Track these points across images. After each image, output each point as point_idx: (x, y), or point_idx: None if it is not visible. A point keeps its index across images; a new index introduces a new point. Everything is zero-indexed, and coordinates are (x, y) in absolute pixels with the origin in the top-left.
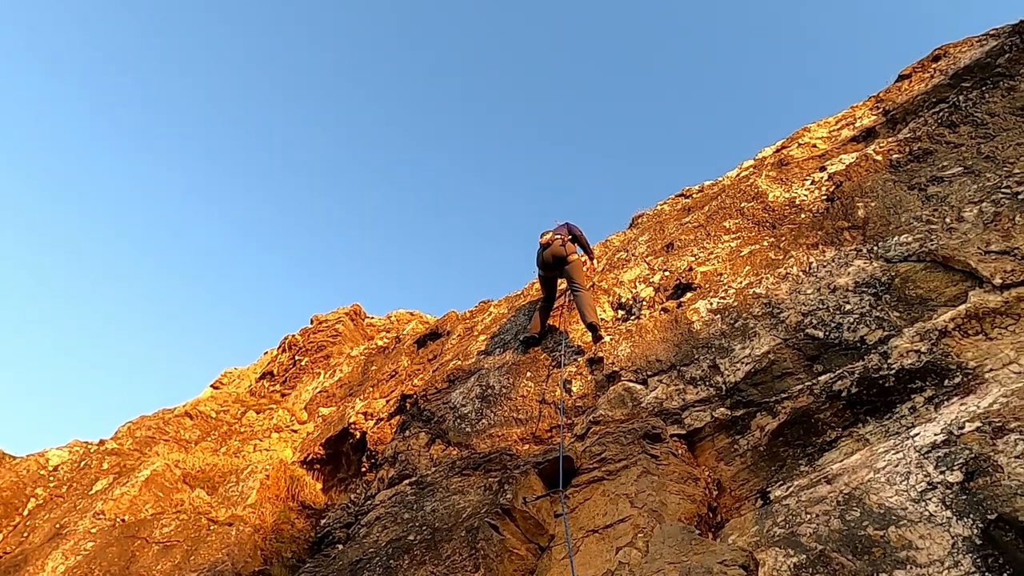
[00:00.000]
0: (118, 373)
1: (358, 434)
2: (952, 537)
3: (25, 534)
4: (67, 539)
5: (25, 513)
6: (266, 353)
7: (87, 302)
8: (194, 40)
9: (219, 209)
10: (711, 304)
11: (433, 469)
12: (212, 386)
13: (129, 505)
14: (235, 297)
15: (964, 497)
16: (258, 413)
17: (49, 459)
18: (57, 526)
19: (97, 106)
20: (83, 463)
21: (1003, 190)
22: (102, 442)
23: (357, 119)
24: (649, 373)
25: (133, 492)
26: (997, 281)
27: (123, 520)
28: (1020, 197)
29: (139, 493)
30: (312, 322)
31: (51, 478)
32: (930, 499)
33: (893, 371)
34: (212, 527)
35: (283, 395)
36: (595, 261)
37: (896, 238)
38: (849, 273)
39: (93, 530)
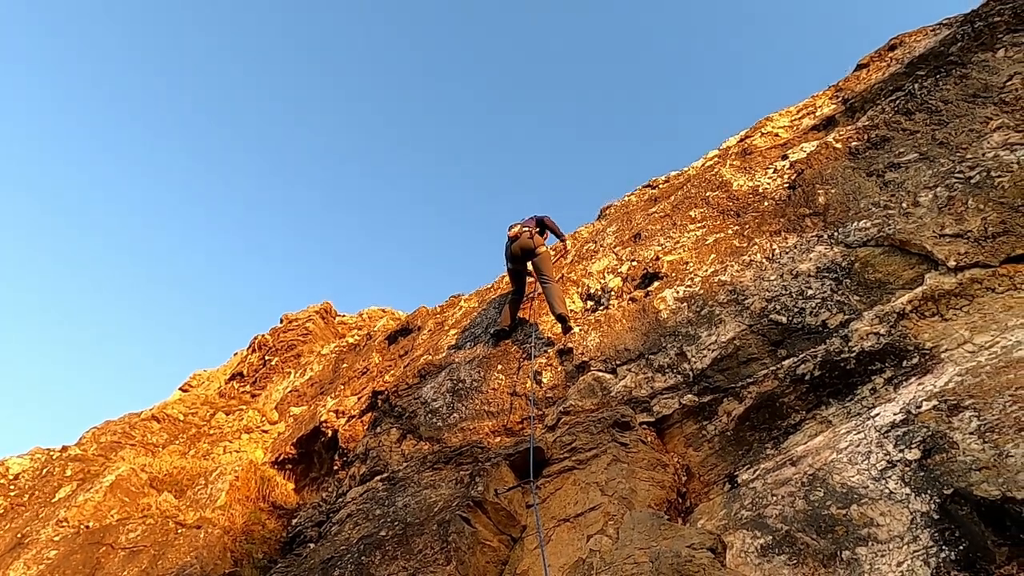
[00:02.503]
0: (82, 378)
1: (329, 432)
2: (911, 513)
3: None
4: (29, 548)
5: None
6: (236, 354)
7: (48, 304)
8: (165, 35)
9: (186, 208)
10: (678, 292)
11: (405, 464)
12: (180, 389)
13: (94, 511)
14: (204, 298)
15: (922, 474)
16: (228, 414)
17: (9, 467)
18: (19, 535)
19: (54, 101)
20: (45, 470)
21: (956, 175)
22: (65, 448)
23: (326, 118)
24: (618, 362)
25: (98, 498)
26: (952, 263)
27: (87, 527)
28: (972, 181)
29: (104, 499)
30: (282, 321)
31: (12, 487)
32: (890, 477)
33: (854, 354)
34: (180, 530)
35: (253, 396)
36: (559, 257)
37: (855, 224)
38: (811, 259)
39: (56, 538)
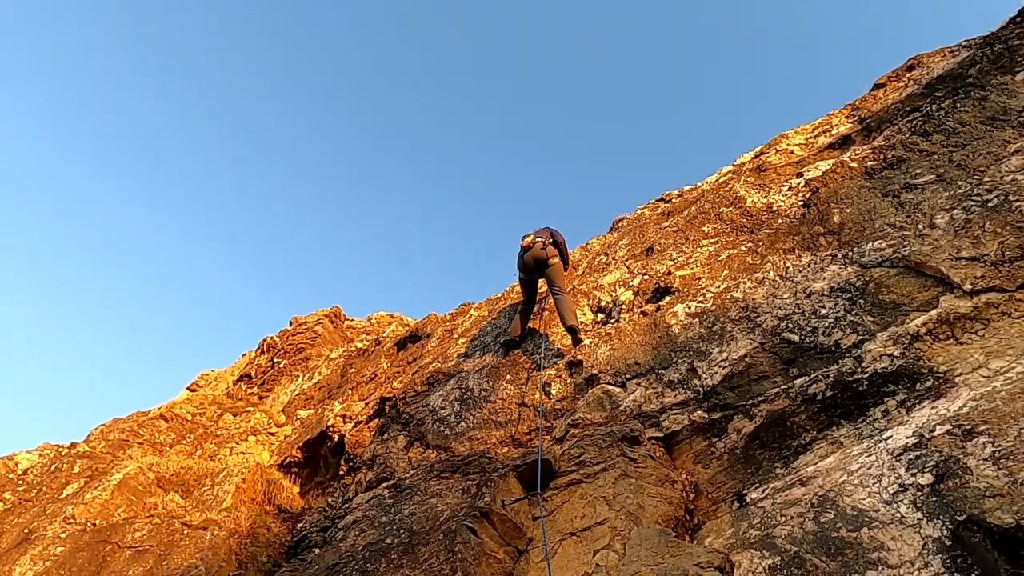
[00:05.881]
0: (91, 375)
1: (336, 437)
2: (923, 538)
3: None
4: (36, 544)
5: None
6: (244, 355)
7: (59, 303)
8: (159, 37)
9: (196, 208)
10: (689, 308)
11: (411, 472)
12: (188, 388)
13: (100, 509)
14: (213, 298)
15: (934, 499)
16: (235, 416)
17: (18, 462)
18: (25, 531)
19: (59, 103)
20: (53, 466)
21: (973, 198)
22: (74, 445)
23: (337, 120)
24: (628, 376)
25: (105, 496)
26: (967, 287)
27: (94, 525)
28: (990, 205)
29: (111, 497)
30: (291, 323)
31: (20, 482)
32: (902, 501)
33: (867, 375)
34: (186, 531)
35: (261, 397)
36: (570, 268)
37: (870, 244)
38: (824, 278)
39: (63, 535)
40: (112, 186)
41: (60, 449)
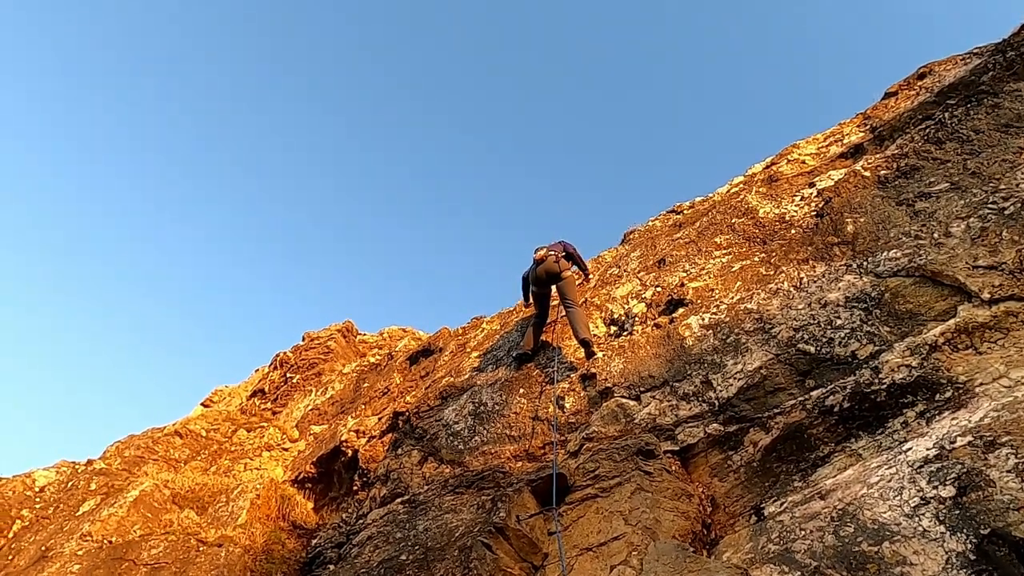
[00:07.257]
0: (107, 392)
1: (350, 452)
2: (946, 552)
3: (10, 557)
4: (53, 562)
5: (10, 535)
6: (257, 371)
7: (76, 320)
8: (159, 38)
9: (209, 226)
10: (703, 320)
11: (425, 487)
12: (202, 404)
13: (117, 526)
14: (226, 314)
15: (957, 512)
16: (249, 431)
17: (36, 480)
18: (43, 548)
19: (59, 103)
20: (70, 484)
21: (989, 205)
22: (90, 462)
23: (348, 136)
24: (642, 389)
25: (121, 513)
26: (985, 296)
27: (110, 542)
28: (1007, 212)
29: (127, 514)
30: (304, 339)
31: (37, 499)
32: (923, 514)
33: (884, 386)
34: (201, 548)
35: (274, 413)
36: (589, 277)
37: (885, 253)
38: (839, 288)
39: (79, 552)
40: (118, 203)
41: (77, 466)
